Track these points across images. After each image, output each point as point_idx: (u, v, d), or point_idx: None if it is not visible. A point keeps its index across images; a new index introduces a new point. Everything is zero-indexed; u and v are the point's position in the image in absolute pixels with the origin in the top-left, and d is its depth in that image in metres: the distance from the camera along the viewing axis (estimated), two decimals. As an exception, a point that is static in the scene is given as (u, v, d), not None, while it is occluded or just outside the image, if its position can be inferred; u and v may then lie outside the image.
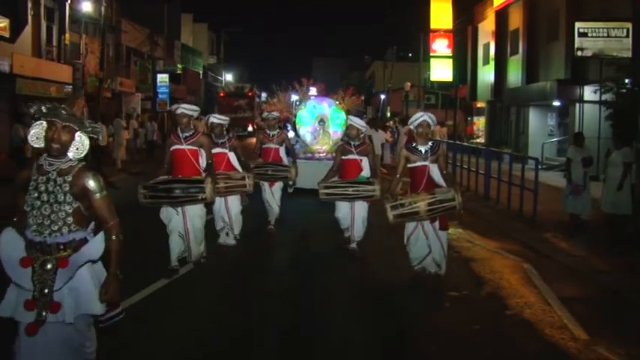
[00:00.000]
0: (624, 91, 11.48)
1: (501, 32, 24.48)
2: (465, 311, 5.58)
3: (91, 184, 3.22)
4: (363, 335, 4.94)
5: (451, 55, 29.95)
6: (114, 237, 3.25)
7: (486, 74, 26.71)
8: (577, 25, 16.16)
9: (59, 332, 3.20)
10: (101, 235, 3.25)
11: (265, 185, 8.72)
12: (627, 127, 9.77)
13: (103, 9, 21.42)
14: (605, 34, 15.85)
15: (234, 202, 7.51)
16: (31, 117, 3.29)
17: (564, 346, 4.72)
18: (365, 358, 4.59)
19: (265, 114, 9.31)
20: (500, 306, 5.72)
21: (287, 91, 14.80)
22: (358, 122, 7.52)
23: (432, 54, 30.59)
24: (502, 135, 24.76)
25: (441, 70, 30.33)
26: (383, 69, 44.01)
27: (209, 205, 6.92)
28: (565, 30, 18.01)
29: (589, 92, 16.64)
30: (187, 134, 6.39)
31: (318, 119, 13.19)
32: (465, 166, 13.81)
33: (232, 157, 7.53)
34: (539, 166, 11.16)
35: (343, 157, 7.36)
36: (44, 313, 3.12)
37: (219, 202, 7.35)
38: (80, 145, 3.26)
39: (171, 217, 6.41)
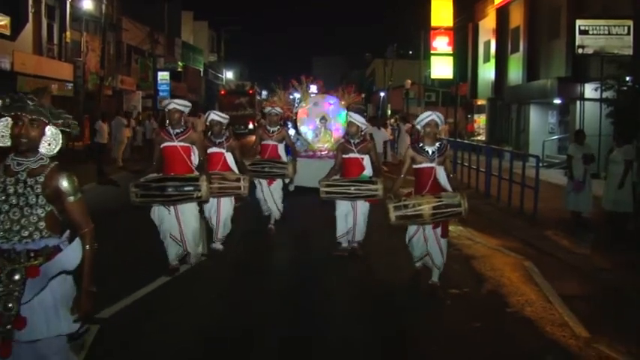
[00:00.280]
0: (625, 88, 11.44)
1: (502, 30, 24.45)
2: (466, 309, 5.57)
3: (65, 185, 2.92)
4: (363, 335, 4.92)
5: (452, 52, 29.91)
6: (87, 246, 2.95)
7: (487, 72, 26.68)
8: (578, 22, 16.17)
9: (34, 352, 2.90)
10: (78, 242, 2.94)
11: (262, 183, 8.42)
12: (628, 124, 9.75)
13: (103, 7, 21.42)
14: (606, 32, 15.85)
15: (227, 205, 7.19)
16: None
17: (565, 344, 4.71)
18: (365, 358, 4.57)
19: (268, 109, 8.96)
20: (501, 304, 5.70)
21: (287, 89, 14.66)
22: (358, 119, 7.25)
23: (432, 51, 30.55)
24: (503, 133, 24.74)
25: (442, 68, 30.28)
26: (383, 67, 43.98)
27: (202, 205, 6.74)
28: (566, 27, 17.97)
29: (590, 90, 16.64)
30: (178, 130, 6.14)
31: (320, 117, 13.16)
32: (466, 164, 13.78)
33: (229, 158, 7.24)
34: (540, 164, 11.16)
35: (344, 156, 7.14)
36: (8, 327, 2.77)
37: (211, 202, 7.04)
38: (52, 140, 2.94)
39: (163, 218, 6.18)
